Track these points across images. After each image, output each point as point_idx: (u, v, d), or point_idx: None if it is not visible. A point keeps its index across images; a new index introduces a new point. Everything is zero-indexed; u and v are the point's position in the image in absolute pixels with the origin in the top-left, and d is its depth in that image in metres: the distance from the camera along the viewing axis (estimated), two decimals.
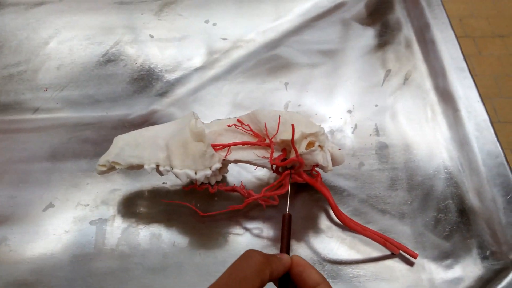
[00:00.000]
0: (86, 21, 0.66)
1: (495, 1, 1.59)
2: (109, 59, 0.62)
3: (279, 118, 0.43)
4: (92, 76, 0.61)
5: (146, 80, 0.60)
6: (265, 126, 0.43)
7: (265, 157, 0.44)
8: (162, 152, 0.44)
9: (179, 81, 0.60)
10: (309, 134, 0.42)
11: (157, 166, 0.44)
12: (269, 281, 0.29)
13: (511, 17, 1.55)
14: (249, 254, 0.29)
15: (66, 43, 0.64)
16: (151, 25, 0.65)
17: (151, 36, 0.64)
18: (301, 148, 0.42)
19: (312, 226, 0.47)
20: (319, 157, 0.42)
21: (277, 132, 0.43)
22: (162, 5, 0.67)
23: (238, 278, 0.28)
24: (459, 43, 0.59)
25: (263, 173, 0.50)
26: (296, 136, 0.41)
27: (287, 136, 0.41)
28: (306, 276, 0.30)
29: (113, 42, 0.63)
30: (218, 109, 0.57)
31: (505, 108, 1.33)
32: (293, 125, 0.40)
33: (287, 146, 0.44)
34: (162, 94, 0.58)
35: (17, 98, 0.59)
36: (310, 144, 0.43)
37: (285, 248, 0.35)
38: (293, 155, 0.42)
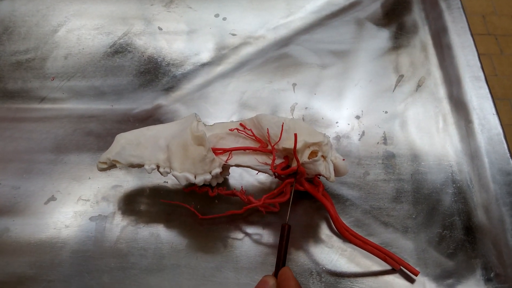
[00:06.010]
0: (95, 10, 0.65)
1: None
2: (116, 50, 0.61)
3: (282, 125, 0.41)
4: (99, 67, 0.60)
5: (152, 74, 0.59)
6: (268, 132, 0.42)
7: (266, 163, 0.43)
8: (163, 153, 0.43)
9: (185, 76, 0.59)
10: (312, 144, 0.41)
11: (157, 166, 0.43)
12: None
13: None
14: None
15: (74, 31, 0.63)
16: (160, 17, 0.64)
17: (160, 29, 0.63)
18: (304, 157, 0.41)
19: (312, 235, 0.46)
20: (321, 167, 0.41)
21: (279, 139, 0.42)
22: None
23: None
24: (477, 50, 0.57)
25: (265, 177, 0.50)
26: (299, 145, 0.40)
27: (289, 144, 0.40)
28: None
29: (121, 33, 0.62)
30: (223, 107, 0.56)
31: None
32: (295, 134, 0.39)
33: (289, 154, 0.42)
34: (168, 89, 0.58)
35: (24, 86, 0.58)
36: (313, 154, 0.41)
37: (281, 260, 0.34)
38: (295, 163, 0.41)
